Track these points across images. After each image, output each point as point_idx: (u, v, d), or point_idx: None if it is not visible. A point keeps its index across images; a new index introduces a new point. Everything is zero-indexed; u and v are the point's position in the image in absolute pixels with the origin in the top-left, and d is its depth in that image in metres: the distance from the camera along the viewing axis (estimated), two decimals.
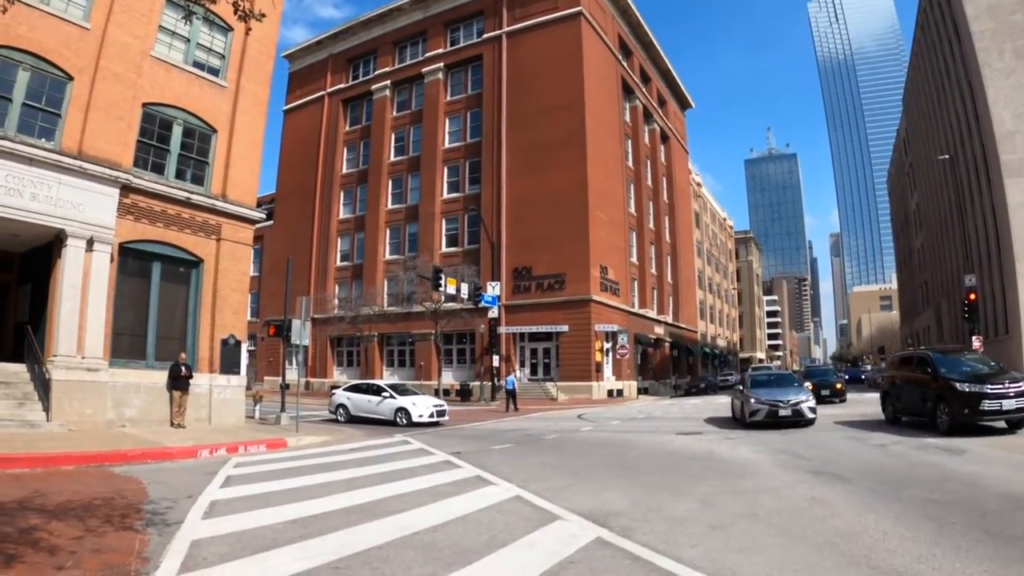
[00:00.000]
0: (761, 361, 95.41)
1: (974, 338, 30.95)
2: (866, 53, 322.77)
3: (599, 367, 40.78)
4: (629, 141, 52.98)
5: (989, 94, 32.39)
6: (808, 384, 23.51)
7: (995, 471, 9.02)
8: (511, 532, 6.34)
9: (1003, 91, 32.24)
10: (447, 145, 48.44)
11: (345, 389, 24.72)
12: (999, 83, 32.41)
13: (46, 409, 14.41)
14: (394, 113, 52.20)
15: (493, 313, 38.53)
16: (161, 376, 16.94)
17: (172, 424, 16.66)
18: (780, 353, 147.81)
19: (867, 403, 24.60)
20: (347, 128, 55.18)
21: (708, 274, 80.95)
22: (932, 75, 47.25)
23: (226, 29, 19.65)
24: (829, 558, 5.23)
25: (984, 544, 5.47)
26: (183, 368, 16.97)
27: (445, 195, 47.51)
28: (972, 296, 31.23)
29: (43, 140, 15.20)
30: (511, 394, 30.70)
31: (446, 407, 23.18)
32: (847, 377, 50.60)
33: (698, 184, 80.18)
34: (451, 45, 49.67)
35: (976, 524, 6.13)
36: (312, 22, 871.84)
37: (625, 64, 52.40)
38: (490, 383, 38.09)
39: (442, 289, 32.77)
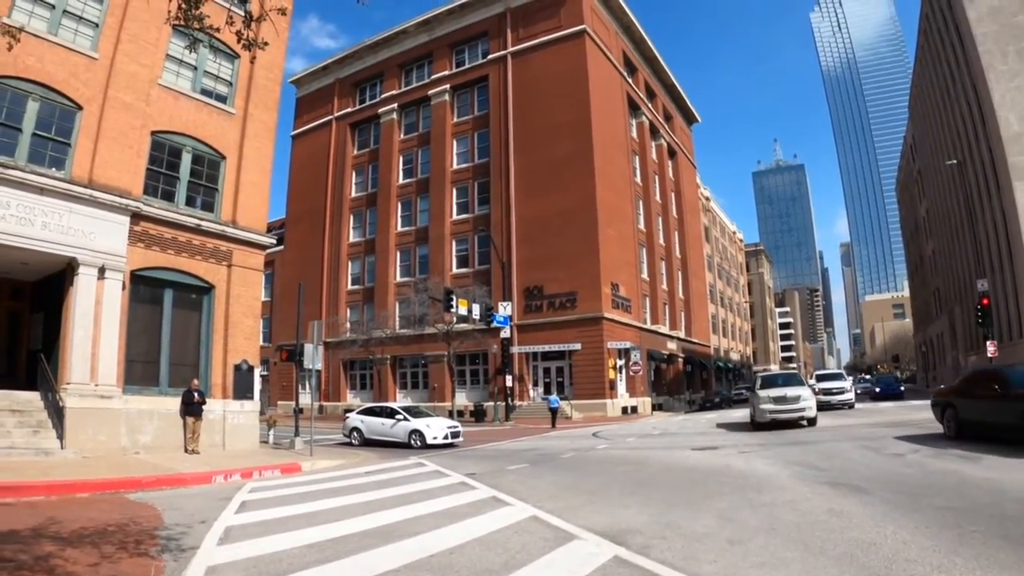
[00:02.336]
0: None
1: (988, 343, 30.63)
2: (869, 61, 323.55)
3: (613, 384, 40.56)
4: (636, 157, 53.02)
5: (995, 97, 32.32)
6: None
7: (1013, 476, 8.89)
8: (528, 553, 6.28)
9: (1008, 93, 32.16)
10: (455, 166, 48.69)
11: (359, 412, 24.70)
12: (1004, 85, 32.34)
13: (60, 436, 14.45)
14: (402, 136, 52.58)
15: (505, 333, 38.54)
16: (174, 402, 16.99)
17: (186, 450, 16.69)
18: (794, 365, 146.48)
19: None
20: (355, 152, 55.64)
21: (719, 288, 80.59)
22: (937, 80, 47.20)
23: (232, 56, 19.92)
24: (849, 570, 5.15)
25: (1004, 551, 5.38)
26: (196, 394, 17.01)
27: (455, 216, 47.68)
28: (985, 301, 30.96)
29: (53, 169, 15.41)
30: (554, 412, 32.15)
31: (460, 428, 23.16)
32: (878, 390, 42.18)
33: (707, 198, 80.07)
34: (457, 67, 50.10)
35: (996, 531, 6.02)
36: (310, 53, 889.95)
37: (630, 80, 52.63)
38: (504, 403, 37.96)
39: (454, 310, 32.83)
